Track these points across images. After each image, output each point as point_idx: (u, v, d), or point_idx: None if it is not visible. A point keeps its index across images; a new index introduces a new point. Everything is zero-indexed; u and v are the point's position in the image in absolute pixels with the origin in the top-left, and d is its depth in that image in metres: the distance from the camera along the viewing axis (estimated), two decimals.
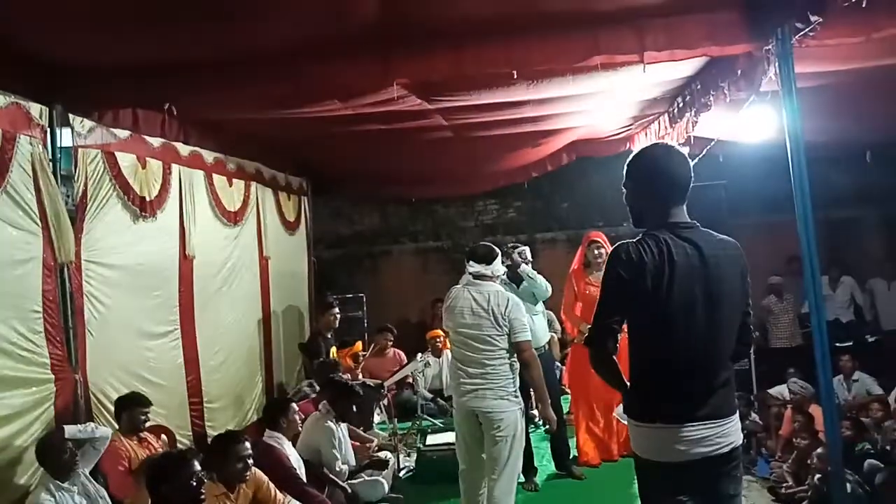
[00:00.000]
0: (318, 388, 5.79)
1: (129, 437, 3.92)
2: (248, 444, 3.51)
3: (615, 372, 2.35)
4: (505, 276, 5.16)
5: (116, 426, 3.98)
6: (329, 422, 4.69)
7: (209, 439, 5.05)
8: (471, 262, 3.96)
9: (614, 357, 2.31)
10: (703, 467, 2.24)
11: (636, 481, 2.47)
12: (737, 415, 2.35)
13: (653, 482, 2.34)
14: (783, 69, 3.24)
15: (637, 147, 6.66)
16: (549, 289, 5.15)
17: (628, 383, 2.36)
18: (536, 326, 5.14)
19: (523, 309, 3.95)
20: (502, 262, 5.11)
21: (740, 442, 2.33)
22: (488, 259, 3.95)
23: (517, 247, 5.22)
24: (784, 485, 4.80)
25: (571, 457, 5.24)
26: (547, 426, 5.38)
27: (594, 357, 2.35)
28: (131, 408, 3.98)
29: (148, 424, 4.05)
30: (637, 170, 2.37)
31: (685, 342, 2.23)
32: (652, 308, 2.22)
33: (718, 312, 2.26)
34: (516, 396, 3.84)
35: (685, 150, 2.47)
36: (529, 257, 5.18)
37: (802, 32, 3.08)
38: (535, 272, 5.11)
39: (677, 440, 2.22)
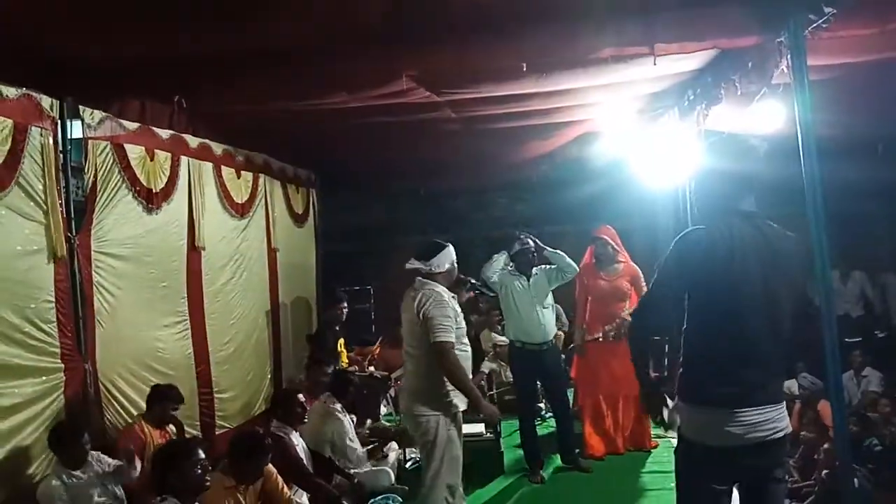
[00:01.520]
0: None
1: (151, 425, 3.98)
2: (270, 455, 3.51)
3: (643, 353, 2.40)
4: (512, 268, 5.20)
5: (134, 412, 4.08)
6: (339, 414, 4.72)
7: (217, 429, 5.10)
8: (411, 260, 3.64)
9: (650, 339, 2.38)
10: (755, 452, 2.24)
11: (676, 469, 2.43)
12: (784, 403, 2.36)
13: (699, 468, 2.32)
14: (795, 61, 3.20)
15: None
16: (575, 266, 5.17)
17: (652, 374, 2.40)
18: (545, 320, 5.15)
19: (447, 309, 3.49)
20: (513, 251, 5.20)
21: (790, 430, 2.34)
22: (425, 256, 3.60)
23: (527, 234, 5.28)
24: (791, 479, 4.79)
25: (577, 450, 5.25)
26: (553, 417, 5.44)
27: (630, 330, 2.45)
28: (164, 401, 4.05)
29: None
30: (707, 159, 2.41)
31: (750, 327, 2.25)
32: (718, 292, 2.24)
33: (778, 301, 2.28)
34: (440, 401, 3.51)
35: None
36: (529, 242, 5.22)
37: (815, 24, 3.05)
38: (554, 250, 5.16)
39: (733, 423, 2.22)
